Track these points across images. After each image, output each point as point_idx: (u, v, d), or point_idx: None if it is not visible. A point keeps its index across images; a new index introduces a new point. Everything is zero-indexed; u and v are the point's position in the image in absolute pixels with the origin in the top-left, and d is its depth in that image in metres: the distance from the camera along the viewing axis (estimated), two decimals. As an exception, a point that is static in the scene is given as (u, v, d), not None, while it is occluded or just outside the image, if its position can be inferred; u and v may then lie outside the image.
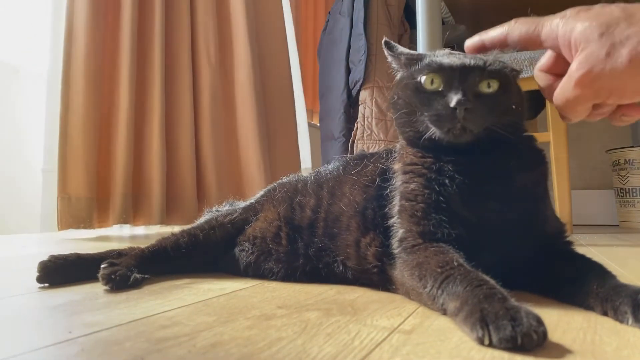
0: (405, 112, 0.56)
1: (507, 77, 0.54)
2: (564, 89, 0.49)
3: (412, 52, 0.61)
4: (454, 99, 0.50)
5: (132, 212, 1.76)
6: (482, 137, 0.52)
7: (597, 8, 0.45)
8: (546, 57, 0.54)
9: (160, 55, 1.85)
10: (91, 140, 1.68)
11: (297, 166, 2.21)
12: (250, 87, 2.04)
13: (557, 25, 0.47)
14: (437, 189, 0.53)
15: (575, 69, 0.46)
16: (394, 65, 0.62)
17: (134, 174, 1.77)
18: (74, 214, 1.63)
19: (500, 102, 0.53)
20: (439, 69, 0.53)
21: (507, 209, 0.53)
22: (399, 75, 0.61)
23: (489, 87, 0.52)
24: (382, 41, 0.64)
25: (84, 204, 1.64)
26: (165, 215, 1.79)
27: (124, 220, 1.70)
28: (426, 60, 0.56)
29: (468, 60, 0.53)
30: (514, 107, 0.54)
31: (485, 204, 0.53)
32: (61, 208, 1.62)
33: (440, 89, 0.53)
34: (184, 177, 1.88)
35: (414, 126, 0.56)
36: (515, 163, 0.54)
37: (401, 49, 0.61)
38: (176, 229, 0.81)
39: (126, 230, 1.95)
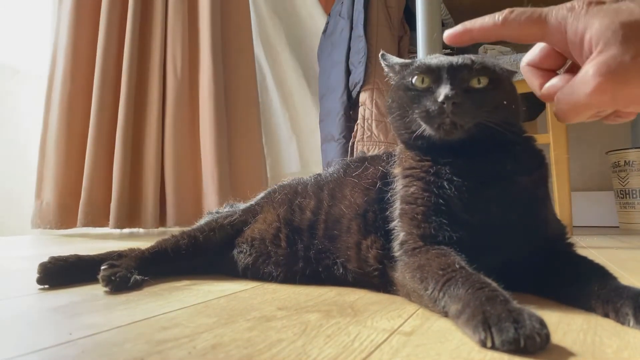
0: (399, 114, 0.57)
1: (498, 74, 0.55)
2: (575, 94, 0.43)
3: (405, 60, 0.63)
4: (442, 94, 0.51)
5: (102, 216, 1.93)
6: (475, 134, 0.52)
7: (611, 3, 0.41)
8: (537, 50, 0.50)
9: (129, 75, 1.97)
10: (62, 154, 1.90)
11: (261, 174, 2.22)
12: (211, 100, 2.07)
13: (565, 19, 0.43)
14: (436, 191, 0.54)
15: (592, 74, 0.41)
16: (391, 74, 0.64)
17: (102, 182, 1.93)
18: (44, 217, 1.87)
19: (491, 97, 0.53)
20: (427, 70, 0.55)
21: (508, 210, 0.53)
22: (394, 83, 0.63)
23: (479, 82, 0.53)
24: (379, 54, 0.66)
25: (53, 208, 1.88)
26: (126, 220, 1.92)
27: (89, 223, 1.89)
28: (415, 64, 0.58)
29: (456, 59, 0.54)
30: (505, 103, 0.54)
31: (484, 206, 0.53)
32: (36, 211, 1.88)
33: (430, 87, 0.54)
34: (147, 186, 1.98)
35: (407, 126, 0.57)
36: (515, 165, 0.54)
37: (395, 59, 0.63)
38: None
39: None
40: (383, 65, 0.65)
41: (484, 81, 0.53)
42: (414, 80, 0.55)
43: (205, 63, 2.08)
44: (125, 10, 2.03)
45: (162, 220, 1.99)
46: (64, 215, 1.87)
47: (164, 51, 2.08)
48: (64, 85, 1.92)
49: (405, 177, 0.58)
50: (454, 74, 0.53)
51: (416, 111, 0.54)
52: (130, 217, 1.93)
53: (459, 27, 0.51)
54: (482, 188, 0.53)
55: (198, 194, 2.05)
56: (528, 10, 0.46)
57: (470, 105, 0.51)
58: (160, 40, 2.05)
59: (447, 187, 0.53)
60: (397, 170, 0.60)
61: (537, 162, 0.57)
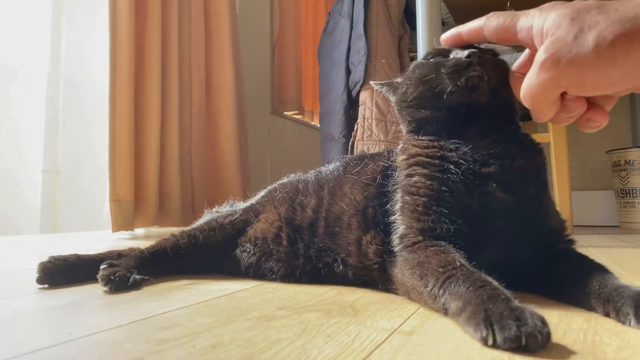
0: (419, 88, 0.60)
1: (497, 55, 0.60)
2: (528, 78, 0.47)
3: (396, 80, 0.68)
4: (466, 51, 0.55)
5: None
6: (493, 105, 0.56)
7: (575, 1, 0.45)
8: (522, 57, 0.55)
9: (158, 67, 1.92)
10: (136, 152, 1.81)
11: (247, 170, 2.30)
12: (233, 97, 2.12)
13: (533, 17, 0.47)
14: (441, 176, 0.54)
15: (540, 53, 0.45)
16: (389, 94, 0.68)
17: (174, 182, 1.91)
18: (125, 217, 1.73)
19: (500, 66, 0.57)
20: (439, 51, 0.60)
21: (508, 193, 0.53)
22: (393, 98, 0.67)
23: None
24: (373, 84, 0.72)
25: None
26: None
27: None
28: (425, 52, 0.64)
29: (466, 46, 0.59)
30: (508, 85, 0.56)
31: (487, 189, 0.53)
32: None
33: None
34: (172, 182, 1.96)
35: (430, 94, 0.58)
36: (515, 150, 0.56)
37: (388, 82, 0.69)
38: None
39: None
40: (377, 88, 0.70)
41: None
42: (431, 60, 0.60)
43: (226, 57, 2.12)
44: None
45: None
46: (140, 215, 1.80)
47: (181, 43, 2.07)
48: (129, 81, 1.78)
49: (409, 165, 0.58)
50: (467, 48, 0.57)
51: (442, 70, 0.57)
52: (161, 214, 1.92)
53: (452, 31, 0.58)
54: (485, 170, 0.54)
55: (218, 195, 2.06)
56: (504, 14, 0.51)
57: (490, 62, 0.56)
58: (176, 29, 2.03)
59: (453, 170, 0.54)
60: (400, 158, 0.61)
61: (536, 150, 0.59)
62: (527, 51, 0.53)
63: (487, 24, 0.53)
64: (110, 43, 1.71)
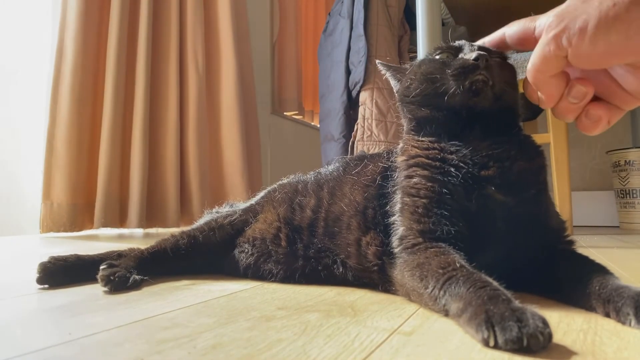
0: (421, 88, 0.59)
1: (507, 59, 0.60)
2: (533, 54, 0.48)
3: (403, 66, 0.68)
4: (474, 53, 0.55)
5: (118, 216, 1.85)
6: (495, 110, 0.56)
7: None
8: None
9: (145, 65, 1.91)
10: (74, 152, 1.77)
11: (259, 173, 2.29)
12: (235, 97, 2.10)
13: (550, 13, 0.47)
14: (441, 179, 0.54)
15: (547, 18, 0.46)
16: (392, 79, 0.68)
17: (118, 180, 1.85)
18: (55, 219, 1.73)
19: (507, 71, 0.57)
20: (450, 47, 0.60)
21: (508, 194, 0.53)
22: (397, 87, 0.67)
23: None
24: (377, 63, 0.72)
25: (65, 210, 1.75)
26: (144, 220, 1.86)
27: (108, 224, 1.79)
28: (435, 47, 0.63)
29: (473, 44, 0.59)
30: (513, 87, 0.57)
31: (485, 190, 0.53)
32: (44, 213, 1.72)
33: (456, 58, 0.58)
34: (166, 184, 1.94)
35: (432, 93, 0.58)
36: (515, 152, 0.56)
37: (395, 65, 0.69)
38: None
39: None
40: (382, 69, 0.69)
41: (497, 60, 0.58)
42: (438, 57, 0.60)
43: (228, 56, 2.10)
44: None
45: (185, 219, 1.97)
46: (78, 217, 1.75)
47: (182, 42, 2.04)
48: (74, 76, 1.77)
49: (409, 166, 0.58)
50: (476, 48, 0.58)
51: (447, 71, 0.56)
52: (149, 216, 1.88)
53: (476, 43, 0.59)
54: (484, 172, 0.54)
55: (222, 190, 2.04)
56: (524, 19, 0.52)
57: (496, 67, 0.56)
58: (176, 28, 2.01)
59: (453, 173, 0.54)
60: (400, 159, 0.60)
61: (536, 152, 0.59)
62: None
63: (508, 30, 0.54)
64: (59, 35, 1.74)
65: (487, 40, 0.58)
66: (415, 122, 0.62)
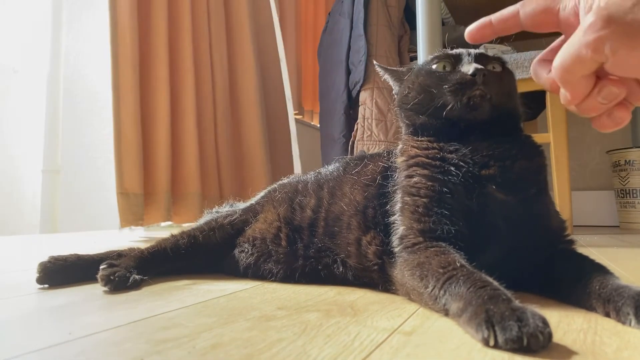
0: (419, 99, 0.60)
1: (506, 65, 0.60)
2: (565, 45, 0.42)
3: (401, 69, 0.68)
4: (471, 68, 0.54)
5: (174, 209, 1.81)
6: (494, 117, 0.56)
7: None
8: (554, 43, 0.49)
9: (192, 58, 1.90)
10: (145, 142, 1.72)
11: (291, 169, 2.24)
12: (255, 90, 2.08)
13: (590, 3, 0.41)
14: (441, 178, 0.54)
15: (589, 16, 0.39)
16: (391, 81, 0.68)
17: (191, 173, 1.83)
18: (135, 212, 1.64)
19: (506, 81, 0.57)
20: (448, 56, 0.59)
21: (508, 193, 0.53)
22: (396, 88, 0.67)
23: (494, 68, 0.58)
24: (374, 65, 0.71)
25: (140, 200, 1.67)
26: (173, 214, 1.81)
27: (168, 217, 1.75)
28: (432, 55, 0.62)
29: (472, 50, 0.59)
30: (513, 93, 0.58)
31: (487, 190, 0.53)
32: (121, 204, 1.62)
33: (453, 70, 0.58)
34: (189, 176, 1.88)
35: (429, 105, 0.58)
36: (515, 151, 0.56)
37: (392, 68, 0.68)
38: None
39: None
40: (380, 72, 0.69)
41: (498, 67, 0.58)
42: (434, 67, 0.59)
43: (247, 57, 2.10)
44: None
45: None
46: (151, 210, 1.70)
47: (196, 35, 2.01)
48: (134, 68, 1.71)
49: (409, 166, 0.58)
50: (473, 57, 0.57)
51: (445, 86, 0.56)
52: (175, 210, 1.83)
53: (481, 21, 0.50)
54: (484, 172, 0.54)
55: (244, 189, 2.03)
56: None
57: (494, 81, 0.55)
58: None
59: (453, 172, 0.54)
60: (400, 160, 0.61)
61: (536, 152, 0.59)
62: (560, 38, 0.48)
63: (523, 7, 0.47)
64: (112, 39, 1.65)
65: (494, 17, 0.50)
66: (413, 127, 0.62)
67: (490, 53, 0.60)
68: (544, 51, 0.49)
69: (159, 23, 1.83)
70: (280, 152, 2.27)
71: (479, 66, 0.54)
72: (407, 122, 0.63)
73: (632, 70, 0.41)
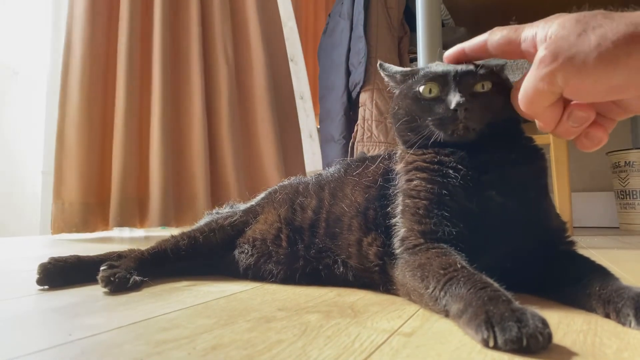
0: (406, 120, 0.59)
1: (498, 77, 0.57)
2: (525, 79, 0.46)
3: (405, 69, 0.65)
4: (453, 101, 0.53)
5: (137, 215, 1.78)
6: (485, 133, 0.55)
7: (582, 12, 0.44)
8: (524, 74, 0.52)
9: (161, 56, 1.84)
10: (85, 149, 1.71)
11: (302, 168, 2.18)
12: (266, 89, 2.02)
13: (538, 26, 0.46)
14: (440, 180, 0.54)
15: (540, 50, 0.43)
16: (391, 83, 0.66)
17: (136, 178, 1.78)
18: (67, 219, 1.67)
19: (496, 99, 0.55)
20: (434, 77, 0.56)
21: (509, 197, 0.53)
22: (397, 91, 0.64)
23: (483, 87, 0.55)
24: (378, 64, 0.68)
25: (77, 209, 1.68)
26: (172, 218, 1.80)
27: (125, 223, 1.72)
28: (421, 72, 0.59)
29: (460, 66, 0.56)
30: (508, 103, 0.55)
31: (487, 192, 0.53)
32: (55, 213, 1.66)
33: (438, 96, 0.56)
34: (193, 180, 1.85)
35: (416, 132, 0.58)
36: (515, 155, 0.56)
37: (395, 68, 0.65)
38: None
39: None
40: (383, 75, 0.67)
41: (487, 85, 0.55)
42: (421, 90, 0.57)
43: (256, 51, 2.03)
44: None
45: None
46: (90, 217, 1.70)
47: (204, 33, 1.96)
48: (83, 70, 1.72)
49: (408, 171, 0.58)
50: (460, 80, 0.55)
51: (429, 119, 0.56)
52: (175, 215, 1.79)
53: (455, 48, 0.56)
54: (484, 174, 0.54)
55: (260, 182, 1.95)
56: (507, 27, 0.50)
57: (480, 109, 0.54)
58: (197, 14, 1.93)
59: (452, 175, 0.54)
60: (399, 167, 0.61)
61: (537, 155, 0.58)
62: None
63: (490, 38, 0.52)
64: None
65: (467, 46, 0.55)
66: (405, 145, 0.62)
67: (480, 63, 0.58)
68: (517, 80, 0.52)
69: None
70: (291, 156, 2.20)
71: (461, 99, 0.52)
72: (400, 134, 0.62)
73: (588, 96, 0.44)
